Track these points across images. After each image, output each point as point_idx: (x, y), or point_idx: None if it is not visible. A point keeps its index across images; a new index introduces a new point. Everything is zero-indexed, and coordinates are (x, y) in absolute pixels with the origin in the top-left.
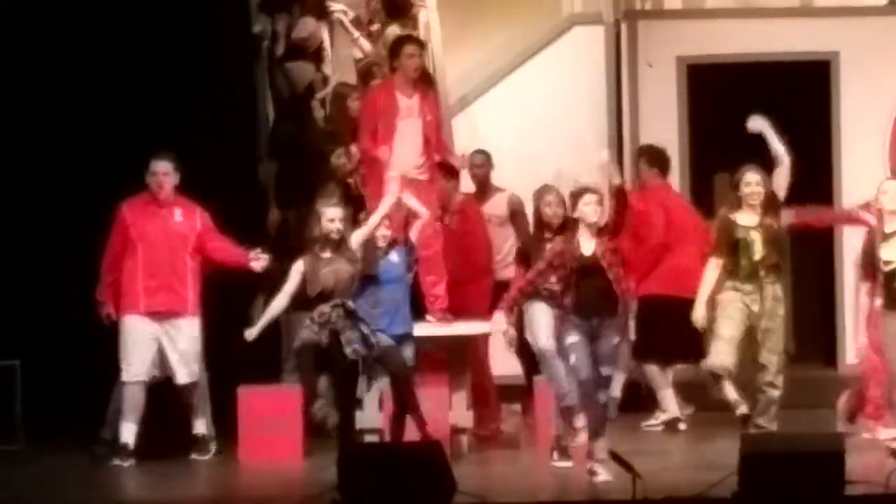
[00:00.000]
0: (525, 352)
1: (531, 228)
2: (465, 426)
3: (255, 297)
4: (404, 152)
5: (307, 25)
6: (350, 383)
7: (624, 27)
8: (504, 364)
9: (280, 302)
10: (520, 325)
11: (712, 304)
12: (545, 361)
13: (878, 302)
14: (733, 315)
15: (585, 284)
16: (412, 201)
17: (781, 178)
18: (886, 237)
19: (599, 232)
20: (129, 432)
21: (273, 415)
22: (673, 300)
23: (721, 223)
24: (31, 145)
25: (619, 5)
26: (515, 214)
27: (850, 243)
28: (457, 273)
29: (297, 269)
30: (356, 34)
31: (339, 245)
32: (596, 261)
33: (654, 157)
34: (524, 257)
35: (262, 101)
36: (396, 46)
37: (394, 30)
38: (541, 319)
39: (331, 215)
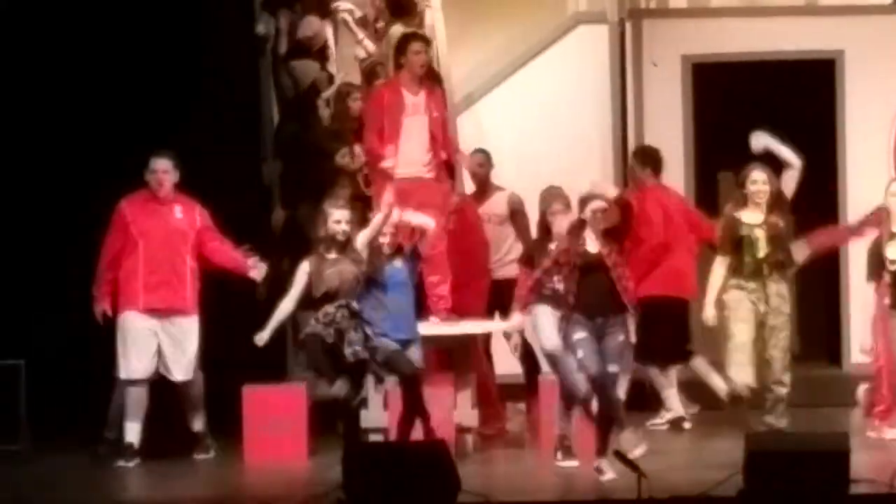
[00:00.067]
0: (525, 353)
1: (534, 230)
2: (469, 425)
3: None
4: (410, 149)
5: (312, 24)
6: (355, 384)
7: (629, 26)
8: (507, 363)
9: (287, 305)
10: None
11: (719, 303)
12: (555, 362)
13: (886, 301)
14: (745, 317)
15: (589, 282)
16: (415, 217)
17: (791, 180)
18: (893, 237)
19: (605, 234)
20: (133, 432)
21: (278, 414)
22: (672, 301)
23: (726, 221)
24: (33, 145)
25: (624, 4)
26: (515, 213)
27: (855, 242)
28: (454, 273)
29: (303, 270)
30: (360, 35)
31: (345, 246)
32: (601, 259)
33: (648, 158)
34: (529, 259)
35: (266, 100)
36: (402, 43)
37: (398, 29)
38: (545, 322)
39: (337, 217)
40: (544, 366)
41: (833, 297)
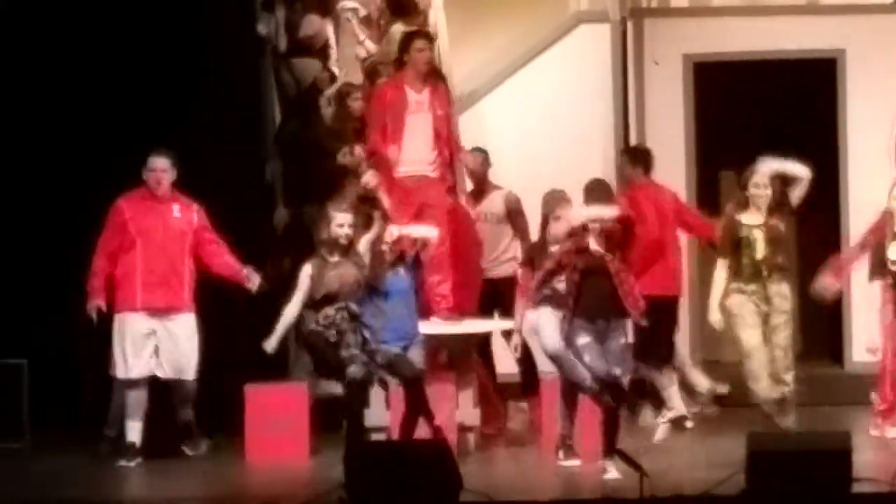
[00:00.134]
0: (523, 353)
1: (536, 231)
2: (471, 424)
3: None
4: (414, 147)
5: (313, 23)
6: (360, 387)
7: (630, 25)
8: (508, 363)
9: (292, 310)
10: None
11: (723, 309)
12: (559, 361)
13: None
14: (751, 322)
15: (591, 286)
16: (416, 230)
17: (799, 190)
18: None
19: (606, 241)
20: (134, 431)
21: (280, 413)
22: (667, 300)
23: (725, 222)
24: (36, 145)
25: (626, 3)
26: (512, 212)
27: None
28: None
29: (305, 273)
30: (362, 36)
31: (347, 249)
32: (603, 263)
33: (638, 157)
34: (530, 260)
35: (268, 99)
36: (406, 41)
37: (398, 28)
38: (546, 322)
39: (340, 220)
40: (541, 366)
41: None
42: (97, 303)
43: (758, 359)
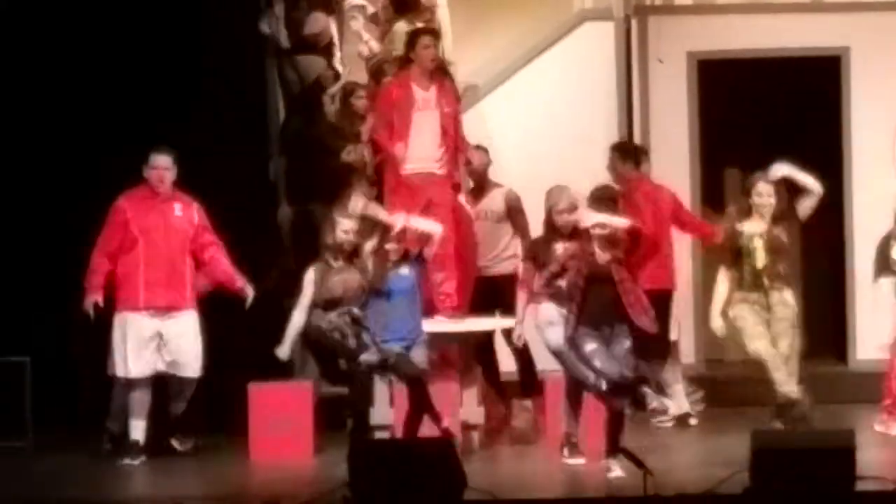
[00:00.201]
0: (522, 352)
1: (531, 226)
2: (475, 422)
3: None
4: (421, 144)
5: (318, 21)
6: (364, 384)
7: (634, 23)
8: (512, 361)
9: (298, 316)
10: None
11: (726, 316)
12: (561, 358)
13: None
14: (758, 333)
15: (595, 292)
16: (422, 223)
17: (809, 204)
18: None
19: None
20: (137, 430)
21: (284, 411)
22: (662, 293)
23: (728, 231)
24: (38, 143)
25: (630, 1)
26: (512, 211)
27: (862, 239)
28: None
29: (309, 278)
30: (366, 35)
31: (352, 255)
32: (608, 271)
33: (627, 152)
34: (533, 256)
35: (273, 98)
36: (412, 38)
37: (401, 26)
38: (550, 319)
39: (345, 226)
40: (541, 364)
41: (839, 295)
42: (94, 298)
43: (774, 363)
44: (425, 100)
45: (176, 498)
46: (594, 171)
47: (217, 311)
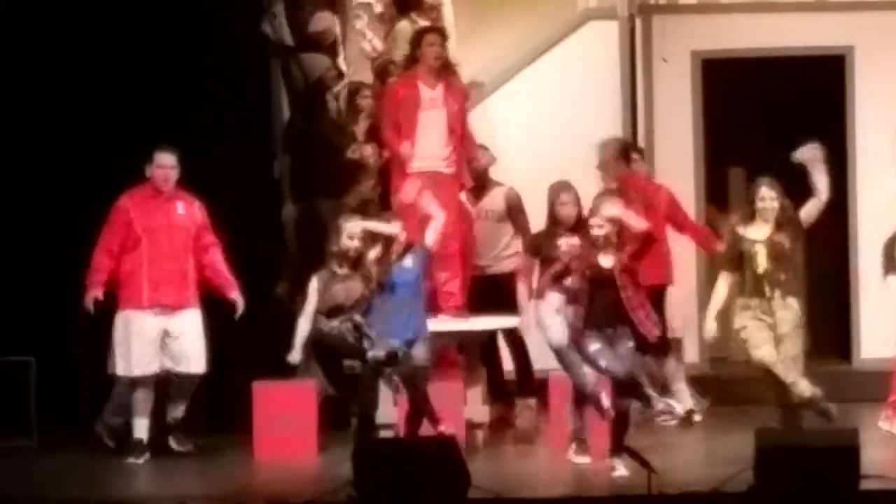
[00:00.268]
0: (519, 353)
1: (533, 226)
2: (480, 421)
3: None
4: (427, 143)
5: (323, 19)
6: (370, 384)
7: (638, 22)
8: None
9: (304, 323)
10: None
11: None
12: (561, 355)
13: None
14: (761, 339)
15: (598, 297)
16: (431, 205)
17: (814, 209)
18: None
19: (617, 248)
20: (141, 428)
21: (288, 410)
22: (656, 289)
23: (730, 236)
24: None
25: (634, 0)
26: (513, 210)
27: (866, 238)
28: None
29: (313, 286)
30: (369, 34)
31: (356, 262)
32: (612, 276)
33: (618, 150)
34: (536, 249)
35: (277, 97)
36: (418, 37)
37: (404, 25)
38: (551, 319)
39: (350, 232)
40: (541, 363)
41: (843, 294)
42: (95, 295)
43: (780, 369)
44: (432, 99)
45: (180, 497)
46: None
47: (221, 309)
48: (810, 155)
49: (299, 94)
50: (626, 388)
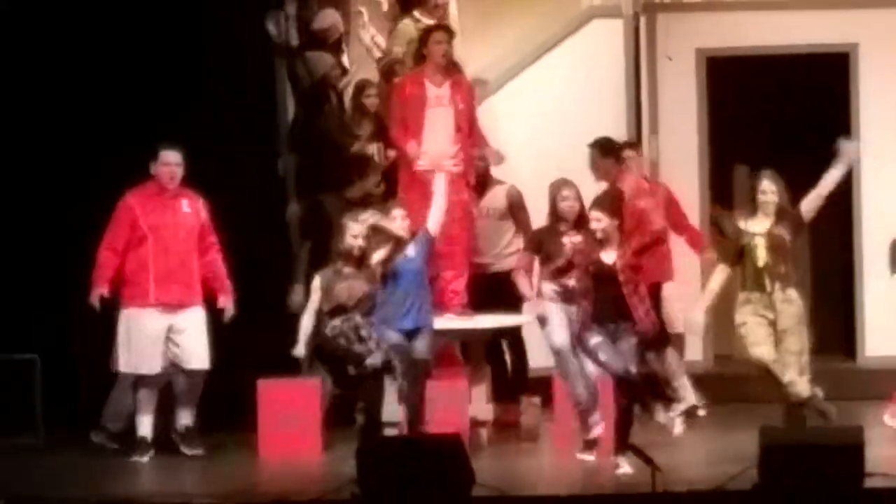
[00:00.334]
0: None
1: (535, 221)
2: (484, 419)
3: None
4: (434, 141)
5: (327, 17)
6: (375, 384)
7: (643, 20)
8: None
9: (308, 321)
10: None
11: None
12: (561, 360)
13: None
14: (760, 337)
15: (601, 292)
16: (440, 185)
17: (813, 202)
18: None
19: (620, 244)
20: (145, 426)
21: (293, 408)
22: (655, 284)
23: (731, 230)
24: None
25: None
26: (514, 207)
27: (871, 235)
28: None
29: (315, 285)
30: (371, 30)
31: (360, 261)
32: (613, 271)
33: (607, 148)
34: (538, 245)
35: (282, 96)
36: (425, 35)
37: (406, 24)
38: (555, 319)
39: (355, 231)
40: (543, 362)
41: (848, 291)
42: (101, 291)
43: (777, 368)
44: (438, 97)
45: (184, 495)
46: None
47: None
48: (851, 150)
49: (304, 93)
50: (626, 386)
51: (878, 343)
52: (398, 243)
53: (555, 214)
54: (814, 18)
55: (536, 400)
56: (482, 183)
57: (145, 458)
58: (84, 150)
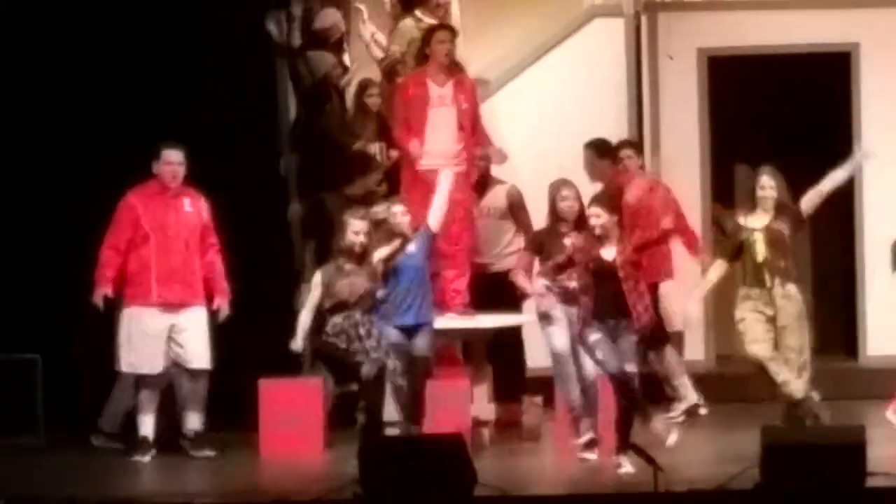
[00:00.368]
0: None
1: (536, 221)
2: (486, 419)
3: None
4: (437, 140)
5: (329, 16)
6: (376, 384)
7: (644, 19)
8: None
9: (306, 316)
10: None
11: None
12: (558, 364)
13: None
14: (758, 335)
15: (601, 288)
16: (444, 182)
17: (813, 199)
18: None
19: (620, 240)
20: (147, 425)
21: (294, 408)
22: (656, 287)
23: (731, 225)
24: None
25: None
26: (514, 207)
27: (872, 235)
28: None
29: (316, 281)
30: (371, 27)
31: (362, 258)
32: (613, 268)
33: (603, 149)
34: (539, 245)
35: (283, 95)
36: (428, 34)
37: (407, 22)
38: (557, 320)
39: (356, 228)
40: (543, 362)
41: (849, 290)
42: (104, 291)
43: (774, 366)
44: (441, 96)
45: (186, 494)
46: None
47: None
48: (864, 158)
49: (305, 92)
50: (622, 386)
51: (880, 342)
52: (405, 240)
53: (555, 215)
54: (815, 18)
55: (538, 400)
56: (482, 182)
57: (146, 458)
58: (85, 150)
